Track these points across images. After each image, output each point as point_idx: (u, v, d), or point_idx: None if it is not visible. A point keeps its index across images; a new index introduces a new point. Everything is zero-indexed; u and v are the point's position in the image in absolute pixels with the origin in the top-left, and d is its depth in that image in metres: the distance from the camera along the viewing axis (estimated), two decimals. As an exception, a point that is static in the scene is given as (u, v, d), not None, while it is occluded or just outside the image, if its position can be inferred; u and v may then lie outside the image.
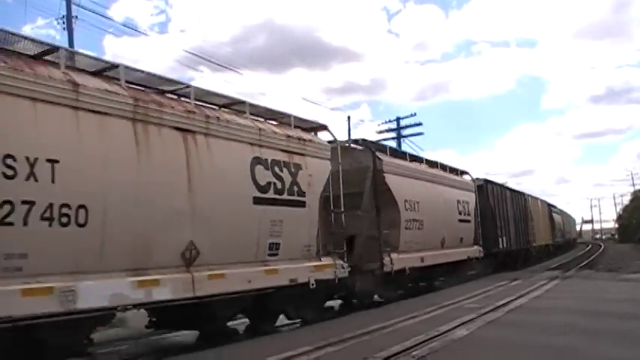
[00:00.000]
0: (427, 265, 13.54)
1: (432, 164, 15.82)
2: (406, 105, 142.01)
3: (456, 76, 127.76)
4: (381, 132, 33.74)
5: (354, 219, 10.74)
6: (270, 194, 8.16)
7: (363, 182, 11.83)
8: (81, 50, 6.76)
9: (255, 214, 7.81)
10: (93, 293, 5.54)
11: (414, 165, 14.42)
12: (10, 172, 4.98)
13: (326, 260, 9.38)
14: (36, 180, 5.15)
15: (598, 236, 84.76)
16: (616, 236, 66.23)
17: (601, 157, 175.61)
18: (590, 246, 46.98)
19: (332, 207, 9.78)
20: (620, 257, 26.85)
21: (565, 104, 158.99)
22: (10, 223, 4.95)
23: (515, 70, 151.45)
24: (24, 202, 5.04)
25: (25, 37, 5.97)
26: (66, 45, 14.17)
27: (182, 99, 7.48)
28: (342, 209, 10.04)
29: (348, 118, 34.57)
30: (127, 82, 6.56)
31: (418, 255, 13.11)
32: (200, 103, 7.64)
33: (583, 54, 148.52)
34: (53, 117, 5.47)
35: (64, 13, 17.19)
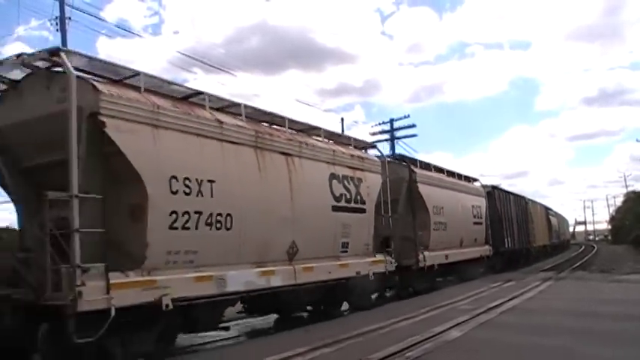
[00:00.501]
0: (450, 262, 15.51)
1: (451, 174, 17.80)
2: (400, 107, 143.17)
3: (449, 77, 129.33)
4: (374, 134, 33.50)
5: (391, 222, 12.64)
6: (342, 203, 10.06)
7: (399, 191, 13.71)
8: (217, 94, 8.30)
9: (333, 219, 9.71)
10: (235, 280, 7.41)
11: (439, 175, 16.39)
12: (187, 190, 6.83)
13: (379, 257, 11.30)
14: (202, 196, 7.00)
15: (591, 237, 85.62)
16: (609, 237, 66.68)
17: (594, 158, 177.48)
18: (583, 247, 47.85)
19: (382, 212, 11.69)
20: (613, 258, 27.09)
21: (558, 106, 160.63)
22: (188, 228, 6.79)
23: (508, 72, 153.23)
24: (196, 212, 6.90)
25: (172, 83, 7.74)
26: (60, 43, 15.88)
27: (276, 127, 9.31)
28: (389, 214, 11.98)
29: (342, 119, 33.62)
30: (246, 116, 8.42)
31: (443, 253, 15.10)
32: (288, 130, 9.45)
33: (576, 56, 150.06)
34: (209, 148, 7.33)
35: (58, 14, 17.03)
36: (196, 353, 7.86)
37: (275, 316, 10.44)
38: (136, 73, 6.89)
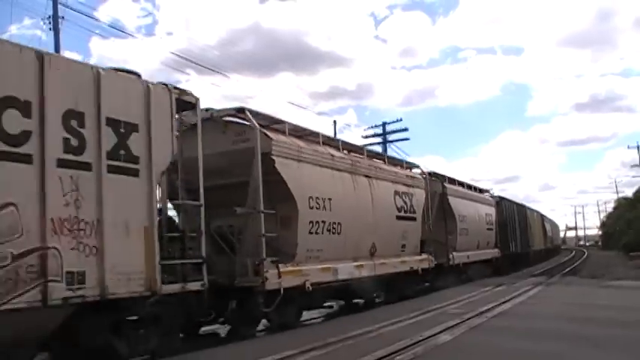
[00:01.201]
0: (470, 262, 18.42)
1: (469, 186, 20.77)
2: (392, 110, 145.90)
3: (442, 82, 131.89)
4: (367, 137, 33.78)
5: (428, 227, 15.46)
6: (402, 213, 12.91)
7: (434, 202, 16.57)
8: (328, 134, 11.08)
9: (397, 226, 12.56)
10: (343, 271, 10.20)
11: (462, 189, 19.32)
12: (317, 206, 9.62)
13: (424, 256, 14.14)
14: (325, 209, 9.79)
15: (582, 243, 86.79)
16: (599, 243, 67.81)
17: (585, 164, 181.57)
18: (573, 253, 48.49)
19: (426, 220, 14.56)
20: (604, 264, 27.46)
21: (550, 111, 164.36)
22: (317, 233, 9.58)
23: (500, 77, 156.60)
24: (322, 222, 9.68)
25: (299, 126, 10.48)
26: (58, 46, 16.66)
27: (357, 154, 12.11)
28: (429, 221, 14.86)
29: (334, 122, 33.63)
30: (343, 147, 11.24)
31: (466, 254, 18.03)
32: (366, 157, 12.26)
33: (568, 62, 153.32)
34: (327, 174, 10.14)
35: (51, 13, 17.18)
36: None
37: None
38: (282, 121, 9.68)
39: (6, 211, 5.09)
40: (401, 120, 34.29)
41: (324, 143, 10.81)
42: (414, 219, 13.61)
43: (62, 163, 5.60)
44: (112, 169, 6.06)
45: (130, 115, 6.37)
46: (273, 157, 8.77)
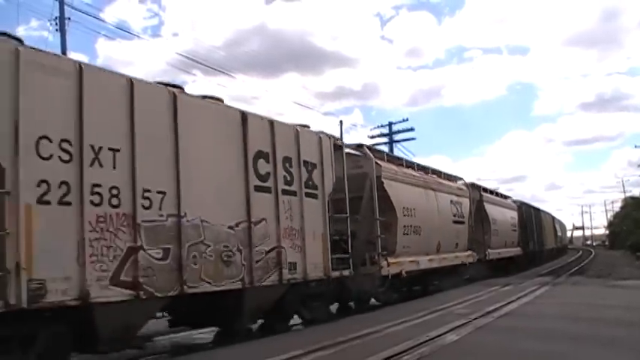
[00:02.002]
0: (501, 257, 21.64)
1: (497, 194, 24.01)
2: (398, 110, 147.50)
3: (448, 82, 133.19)
4: (373, 137, 34.05)
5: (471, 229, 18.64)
6: (455, 218, 16.12)
7: (473, 208, 19.77)
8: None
9: (453, 228, 15.76)
10: (422, 263, 13.39)
11: (493, 196, 22.55)
12: (408, 214, 12.78)
13: (469, 252, 17.34)
14: (412, 216, 12.97)
15: (589, 242, 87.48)
16: (606, 243, 68.79)
17: (592, 163, 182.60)
18: (580, 252, 49.32)
19: (470, 223, 17.77)
20: (611, 264, 27.75)
21: (556, 111, 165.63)
22: (408, 234, 12.75)
23: (506, 76, 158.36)
24: (410, 226, 12.86)
25: (391, 155, 13.66)
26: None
27: (422, 172, 15.29)
28: (472, 224, 18.09)
29: (340, 122, 34.27)
30: (418, 167, 14.44)
31: (497, 251, 21.25)
32: (431, 174, 15.46)
33: (574, 62, 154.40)
34: (412, 190, 13.33)
35: (57, 14, 17.49)
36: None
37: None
38: (382, 151, 12.87)
39: (262, 224, 8.27)
40: (407, 120, 34.62)
41: (406, 165, 14.01)
42: (463, 222, 16.83)
43: (283, 192, 8.79)
44: (306, 195, 9.25)
45: (312, 157, 9.57)
46: (383, 180, 11.95)
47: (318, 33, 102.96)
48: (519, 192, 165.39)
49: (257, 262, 7.99)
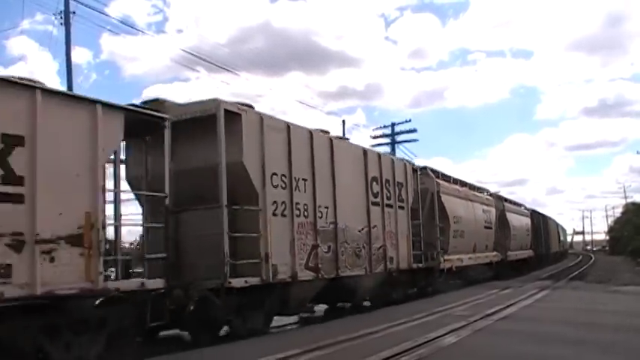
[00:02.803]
0: (517, 259, 25.07)
1: (515, 203, 27.46)
2: (401, 111, 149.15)
3: (451, 84, 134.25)
4: (375, 137, 34.36)
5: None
6: (486, 224, 19.54)
7: (496, 215, 23.19)
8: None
9: (485, 232, 19.20)
10: (465, 260, 16.75)
11: (512, 205, 26.01)
12: (457, 221, 16.14)
13: (495, 253, 20.73)
14: (459, 223, 16.33)
15: (589, 247, 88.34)
16: (607, 248, 68.97)
17: (593, 169, 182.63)
18: (580, 257, 50.47)
19: (495, 228, 21.18)
20: (611, 269, 28.22)
21: (558, 115, 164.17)
22: (456, 237, 16.09)
23: (509, 80, 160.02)
24: (458, 230, 16.19)
25: (437, 171, 16.98)
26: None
27: (459, 186, 18.63)
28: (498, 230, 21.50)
29: (343, 122, 33.74)
30: (460, 183, 17.78)
31: (515, 253, 24.69)
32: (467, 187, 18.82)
33: (577, 66, 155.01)
34: (457, 202, 16.67)
35: (62, 8, 17.60)
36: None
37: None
38: (437, 171, 16.19)
39: (375, 228, 11.52)
40: (410, 121, 34.34)
41: (453, 182, 17.36)
42: (491, 228, 20.21)
43: (386, 205, 12.06)
44: (398, 207, 12.55)
45: (401, 179, 12.87)
46: (440, 194, 15.27)
47: (322, 32, 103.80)
48: (520, 195, 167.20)
49: (373, 255, 11.28)
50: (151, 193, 7.01)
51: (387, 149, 31.78)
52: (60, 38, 17.98)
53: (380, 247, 11.67)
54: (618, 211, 67.98)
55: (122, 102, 6.72)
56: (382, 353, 6.40)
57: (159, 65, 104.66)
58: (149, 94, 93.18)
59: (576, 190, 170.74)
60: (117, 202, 6.60)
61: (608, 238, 70.80)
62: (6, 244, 5.14)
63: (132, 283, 6.36)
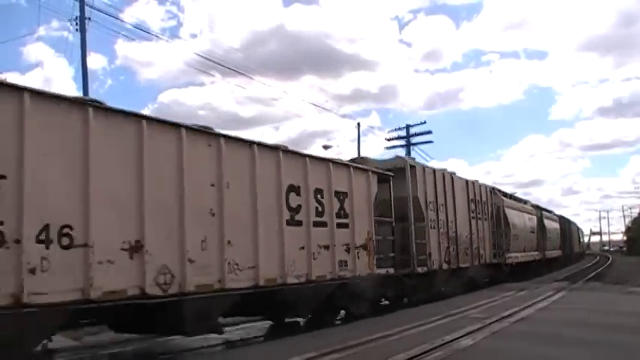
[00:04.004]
0: (550, 257, 31.05)
1: (546, 210, 33.46)
2: (415, 114, 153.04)
3: (465, 85, 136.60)
4: (390, 139, 35.71)
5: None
6: (531, 230, 25.52)
7: (535, 223, 29.15)
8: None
9: (530, 236, 25.21)
10: (518, 258, 22.67)
11: (548, 213, 32.06)
12: (515, 226, 22.05)
13: (537, 252, 26.66)
14: (515, 228, 22.26)
15: (606, 248, 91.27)
16: (624, 249, 71.80)
17: (609, 169, 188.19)
18: (597, 258, 53.00)
19: (537, 233, 27.17)
20: (628, 270, 29.14)
21: (573, 116, 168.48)
22: (514, 239, 22.02)
23: (524, 81, 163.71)
24: (515, 234, 22.13)
25: (502, 191, 22.91)
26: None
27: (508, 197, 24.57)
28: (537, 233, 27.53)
29: (358, 124, 34.78)
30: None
31: (549, 252, 30.69)
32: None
33: (592, 66, 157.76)
34: (515, 213, 22.62)
35: (78, 14, 18.31)
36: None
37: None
38: (496, 188, 22.16)
39: (475, 235, 17.45)
40: (424, 123, 35.52)
41: (510, 197, 23.32)
42: (534, 232, 26.19)
43: (477, 218, 17.96)
44: (485, 219, 18.49)
45: (484, 198, 18.80)
46: (504, 208, 21.19)
47: (336, 36, 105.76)
48: (536, 196, 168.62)
49: (473, 253, 17.20)
50: (383, 218, 12.67)
51: (402, 151, 34.02)
52: (75, 44, 18.70)
53: (476, 247, 17.58)
54: (635, 212, 72.79)
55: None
56: (398, 356, 6.56)
57: (173, 70, 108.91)
58: (164, 99, 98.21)
59: (592, 190, 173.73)
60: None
61: (625, 238, 74.85)
62: (343, 250, 10.86)
63: (384, 270, 12.11)
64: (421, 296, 13.85)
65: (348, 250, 10.66)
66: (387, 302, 13.50)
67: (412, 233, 13.46)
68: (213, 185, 7.74)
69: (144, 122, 6.89)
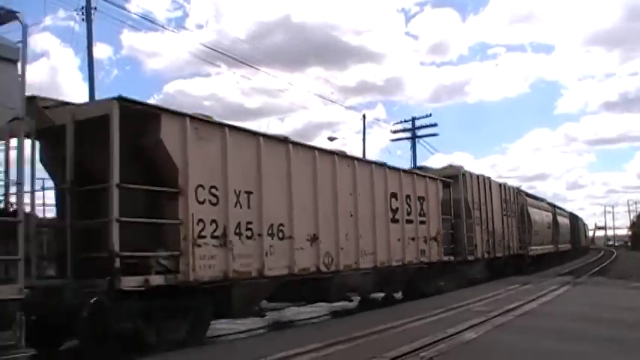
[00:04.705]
0: (563, 250, 34.56)
1: (559, 208, 37.02)
2: (421, 106, 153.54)
3: (471, 79, 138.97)
4: (396, 132, 36.32)
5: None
6: (548, 225, 29.06)
7: (550, 218, 32.65)
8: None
9: (547, 231, 28.79)
10: (538, 250, 26.15)
11: (560, 210, 35.62)
12: (535, 224, 25.51)
13: (552, 245, 30.17)
14: (535, 225, 25.69)
15: (611, 243, 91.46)
16: (629, 243, 72.94)
17: (615, 163, 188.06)
18: (602, 252, 54.30)
19: (552, 229, 30.69)
20: (633, 265, 29.75)
21: (579, 110, 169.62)
22: (534, 235, 25.46)
23: (530, 74, 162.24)
24: (535, 230, 25.57)
25: (528, 193, 26.31)
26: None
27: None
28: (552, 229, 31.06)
29: (364, 116, 34.85)
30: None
31: (561, 245, 34.30)
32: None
33: (598, 60, 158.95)
34: (535, 211, 26.11)
35: (84, 4, 18.72)
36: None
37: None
38: (518, 188, 25.56)
39: (504, 230, 20.86)
40: (430, 115, 35.77)
41: (531, 197, 26.75)
42: (550, 228, 29.79)
43: (507, 215, 21.37)
44: (512, 216, 21.89)
45: (512, 198, 22.20)
46: (527, 207, 24.61)
47: (342, 28, 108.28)
48: (541, 190, 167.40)
49: (505, 245, 20.61)
50: (445, 216, 15.89)
51: (407, 144, 35.51)
52: (82, 34, 18.93)
53: (507, 240, 20.99)
54: (640, 207, 70.79)
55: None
56: (402, 348, 6.68)
57: (179, 60, 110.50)
58: (169, 89, 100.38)
59: (597, 185, 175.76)
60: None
61: (630, 233, 76.76)
62: (422, 241, 14.13)
63: (446, 258, 15.40)
64: (466, 281, 17.29)
65: (425, 242, 13.99)
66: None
67: (464, 228, 16.81)
68: (351, 194, 11.06)
69: (316, 152, 10.26)
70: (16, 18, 6.26)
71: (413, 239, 13.37)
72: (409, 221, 13.21)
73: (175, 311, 7.50)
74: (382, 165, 12.56)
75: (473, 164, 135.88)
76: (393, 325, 8.63)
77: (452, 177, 16.66)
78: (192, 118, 7.79)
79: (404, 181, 13.17)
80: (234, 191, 8.29)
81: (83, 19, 18.65)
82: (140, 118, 7.18)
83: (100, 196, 6.99)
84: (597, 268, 27.51)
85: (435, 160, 50.78)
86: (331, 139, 33.59)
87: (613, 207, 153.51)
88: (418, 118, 35.33)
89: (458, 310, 10.67)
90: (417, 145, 34.73)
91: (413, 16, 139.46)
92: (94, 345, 6.82)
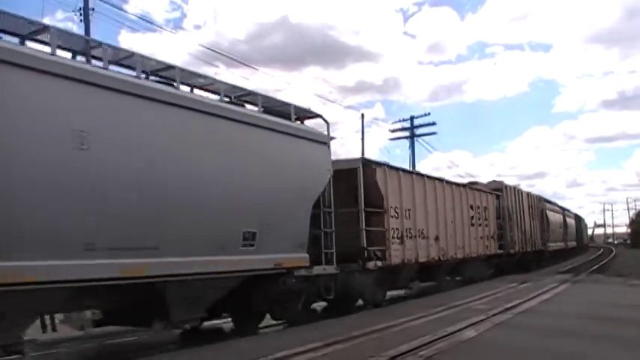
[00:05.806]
0: (570, 247, 41.16)
1: (566, 209, 43.72)
2: (419, 105, 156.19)
3: (469, 77, 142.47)
4: (394, 131, 37.53)
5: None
6: (560, 225, 35.51)
7: (561, 219, 39.18)
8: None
9: (559, 230, 35.59)
10: (553, 247, 32.61)
11: (567, 212, 42.31)
12: (551, 223, 31.93)
13: (562, 243, 36.66)
14: (551, 225, 32.14)
15: (610, 241, 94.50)
16: (628, 241, 74.38)
17: (613, 161, 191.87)
18: (601, 250, 55.76)
19: (563, 228, 37.20)
20: (632, 263, 30.53)
21: (578, 108, 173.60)
22: (551, 233, 31.85)
23: (528, 73, 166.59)
24: (551, 229, 31.96)
25: (530, 194, 32.65)
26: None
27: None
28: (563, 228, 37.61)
29: (362, 115, 35.34)
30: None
31: (569, 243, 40.82)
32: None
33: (596, 59, 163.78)
34: (552, 214, 32.58)
35: (82, 5, 18.87)
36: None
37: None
38: (539, 195, 31.98)
39: (532, 230, 27.20)
40: (429, 114, 36.93)
41: (548, 202, 33.20)
42: (561, 228, 36.51)
43: (531, 216, 27.71)
44: (537, 219, 28.25)
45: (537, 204, 28.57)
46: (546, 211, 31.07)
47: (340, 27, 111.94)
48: (540, 188, 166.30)
49: (532, 241, 26.94)
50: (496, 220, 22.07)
51: (406, 143, 37.20)
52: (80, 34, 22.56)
53: (533, 238, 27.33)
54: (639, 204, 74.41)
55: None
56: (401, 347, 6.92)
57: (178, 61, 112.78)
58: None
59: (596, 182, 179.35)
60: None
61: (629, 231, 78.68)
62: (486, 239, 20.35)
63: (500, 251, 21.61)
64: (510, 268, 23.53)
65: (487, 239, 20.35)
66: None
67: (507, 229, 23.11)
68: (451, 208, 17.25)
69: (436, 181, 16.40)
70: (320, 116, 11.42)
71: (481, 237, 19.67)
72: (479, 225, 19.52)
73: (385, 279, 13.59)
74: (465, 185, 19.12)
75: (472, 162, 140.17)
76: (394, 324, 9.02)
77: (498, 190, 22.92)
78: (387, 166, 13.85)
79: (476, 195, 19.41)
80: (404, 209, 14.34)
81: (81, 20, 19.14)
82: (366, 168, 13.18)
83: (348, 215, 12.97)
84: (596, 266, 29.39)
85: (434, 159, 55.41)
86: (330, 138, 37.88)
87: (612, 205, 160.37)
88: (417, 117, 36.83)
89: (458, 309, 11.16)
90: (416, 144, 36.45)
91: (411, 15, 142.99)
92: (345, 299, 12.27)
